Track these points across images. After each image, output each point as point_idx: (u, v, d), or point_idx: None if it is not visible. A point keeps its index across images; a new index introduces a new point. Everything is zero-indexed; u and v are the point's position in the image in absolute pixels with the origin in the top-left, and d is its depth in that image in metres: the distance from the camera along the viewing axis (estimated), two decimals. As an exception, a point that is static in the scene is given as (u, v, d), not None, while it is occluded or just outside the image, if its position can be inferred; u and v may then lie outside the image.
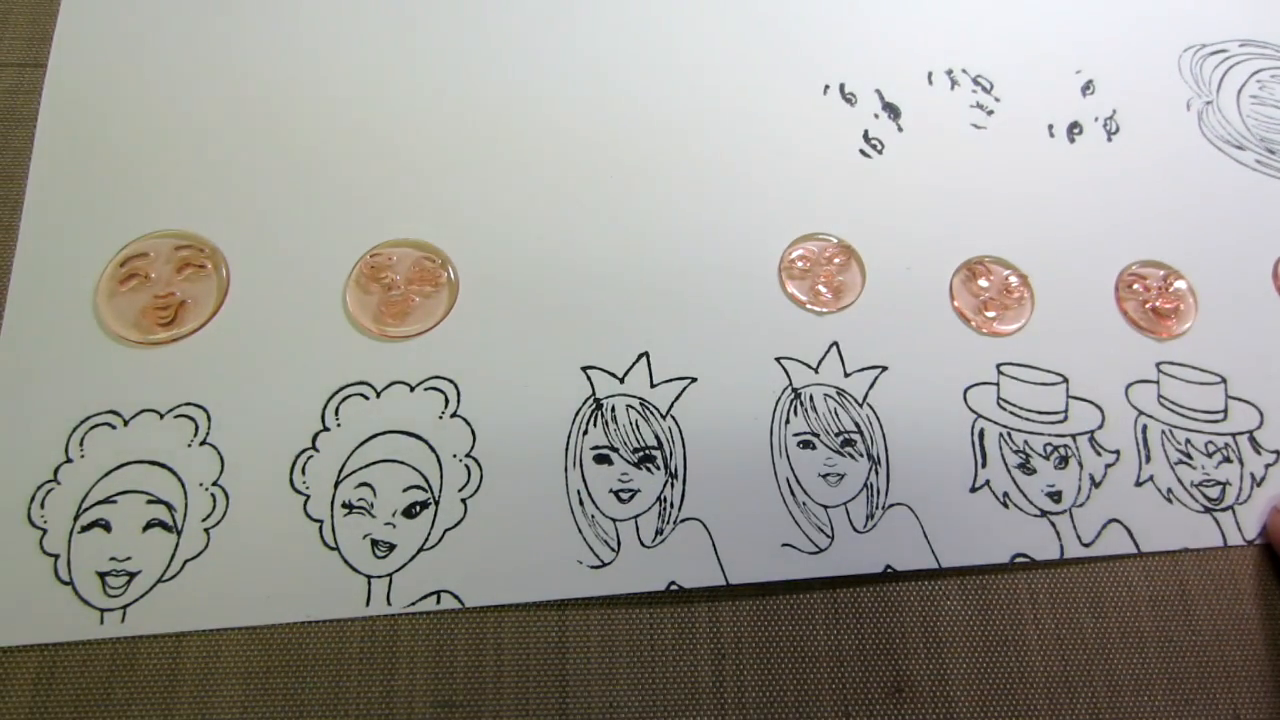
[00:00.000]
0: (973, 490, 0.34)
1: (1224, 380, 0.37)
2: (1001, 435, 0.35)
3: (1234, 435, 0.35)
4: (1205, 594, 0.33)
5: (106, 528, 0.31)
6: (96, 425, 0.32)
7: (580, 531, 0.32)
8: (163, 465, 0.32)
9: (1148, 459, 0.35)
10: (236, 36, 0.38)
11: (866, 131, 0.40)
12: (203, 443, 0.32)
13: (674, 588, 0.32)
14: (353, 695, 0.29)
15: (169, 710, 0.29)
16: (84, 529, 0.31)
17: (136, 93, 0.37)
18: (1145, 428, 0.36)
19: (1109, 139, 0.41)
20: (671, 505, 0.33)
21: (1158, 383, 0.36)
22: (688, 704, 0.30)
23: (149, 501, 0.31)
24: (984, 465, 0.34)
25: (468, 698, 0.29)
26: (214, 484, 0.32)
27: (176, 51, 0.38)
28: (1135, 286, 0.38)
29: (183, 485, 0.32)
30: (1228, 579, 0.33)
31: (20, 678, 0.29)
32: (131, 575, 0.31)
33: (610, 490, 0.33)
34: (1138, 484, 0.35)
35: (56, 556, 0.31)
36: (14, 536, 0.31)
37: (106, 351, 0.33)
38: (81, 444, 0.32)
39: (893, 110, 0.40)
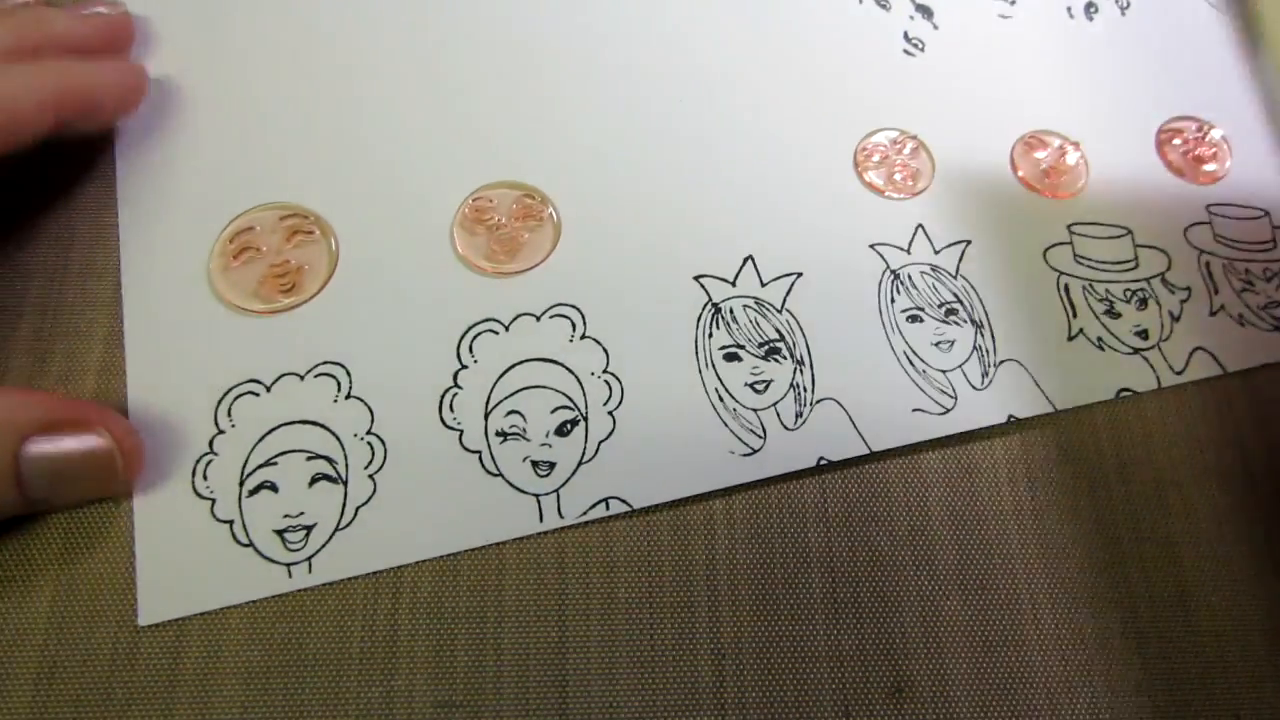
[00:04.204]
0: (1070, 339, 0.36)
1: (1267, 213, 0.40)
2: (1085, 286, 0.37)
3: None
4: (1204, 591, 0.34)
5: (274, 488, 0.32)
6: (240, 395, 0.33)
7: (726, 424, 0.34)
8: (315, 423, 0.33)
9: (1215, 291, 0.38)
10: None
11: (906, 32, 0.42)
12: (348, 396, 0.33)
13: (823, 461, 0.33)
14: (352, 695, 0.30)
15: (169, 710, 0.29)
16: (251, 493, 0.32)
17: (222, 70, 0.38)
18: (1208, 264, 0.38)
19: (1122, 14, 0.44)
20: (805, 389, 0.34)
21: (1210, 223, 0.39)
22: (688, 704, 0.30)
23: (309, 458, 0.32)
24: (1075, 315, 0.37)
25: (468, 698, 0.30)
26: (368, 433, 0.33)
27: (254, 20, 0.39)
28: (1175, 141, 0.41)
29: (338, 438, 0.32)
30: (1226, 576, 0.34)
31: (21, 677, 0.29)
32: (308, 529, 0.31)
33: (745, 384, 0.34)
34: (1211, 314, 0.38)
35: (230, 522, 0.31)
36: (186, 510, 0.31)
37: (234, 325, 0.34)
38: (230, 414, 0.32)
39: (925, 11, 0.42)
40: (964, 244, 0.37)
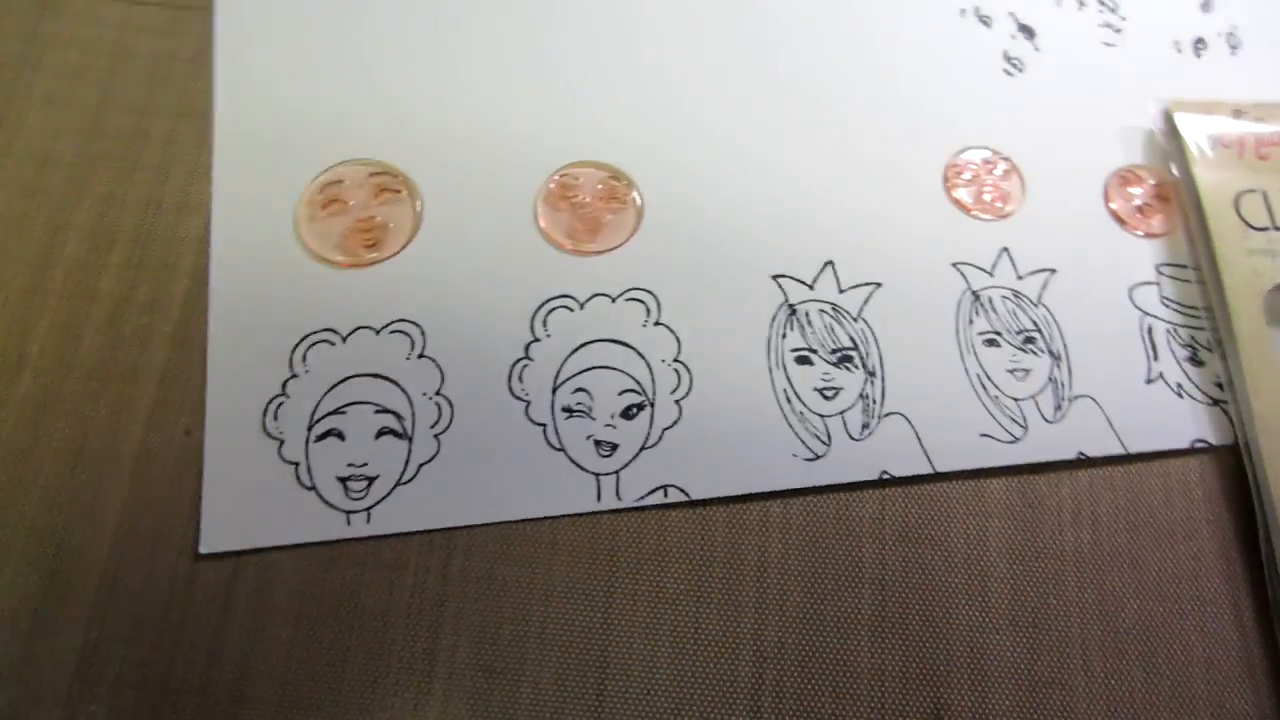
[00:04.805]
0: (1148, 382, 0.36)
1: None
2: (1168, 330, 0.37)
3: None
4: (1271, 666, 0.32)
5: (340, 436, 0.32)
6: (316, 343, 0.33)
7: (791, 427, 0.33)
8: (386, 378, 0.33)
9: (1305, 350, 0.37)
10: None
11: (1006, 52, 0.41)
12: (420, 355, 0.33)
13: (885, 476, 0.33)
14: (396, 649, 0.30)
15: (219, 639, 0.30)
16: (319, 438, 0.32)
17: (327, 22, 0.38)
18: (1298, 320, 0.37)
19: (1232, 53, 0.43)
20: (874, 401, 0.34)
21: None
22: (725, 702, 0.30)
23: (377, 411, 0.32)
24: (1155, 359, 0.36)
25: (508, 666, 0.30)
26: (437, 393, 0.33)
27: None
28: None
29: (407, 395, 0.33)
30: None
31: (83, 589, 0.30)
32: (370, 479, 0.32)
33: (814, 389, 0.34)
34: (1299, 373, 0.36)
35: (296, 464, 0.32)
36: (255, 447, 0.32)
37: (316, 274, 0.34)
38: (305, 359, 0.33)
39: (1027, 31, 0.42)
40: (1048, 272, 0.37)
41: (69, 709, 0.28)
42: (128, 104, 0.37)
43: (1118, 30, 0.42)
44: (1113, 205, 0.38)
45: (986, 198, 0.38)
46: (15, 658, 0.29)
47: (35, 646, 0.29)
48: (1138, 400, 0.35)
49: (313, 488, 0.31)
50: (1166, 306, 0.37)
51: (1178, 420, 0.35)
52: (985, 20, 0.42)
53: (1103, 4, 0.43)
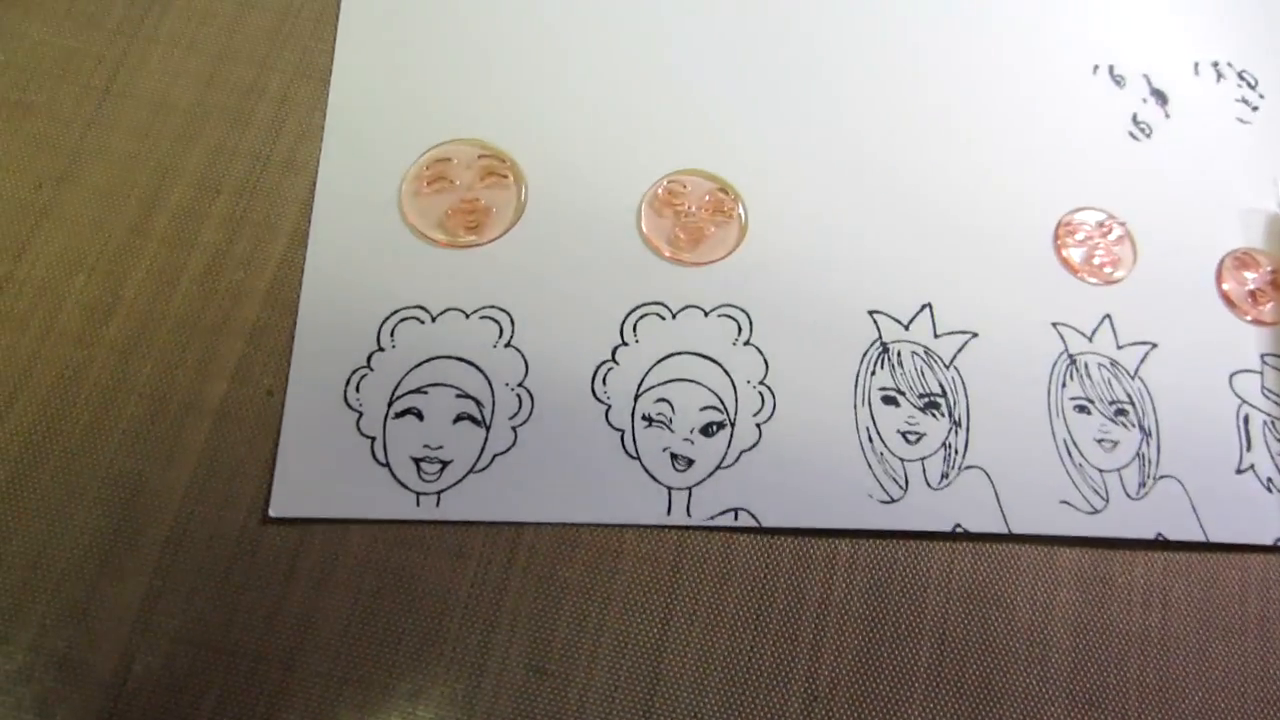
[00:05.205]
0: (1238, 472, 0.35)
1: None
2: (1266, 423, 0.35)
3: None
4: None
5: (419, 416, 0.32)
6: (405, 319, 0.33)
7: (870, 466, 0.33)
8: (470, 363, 0.33)
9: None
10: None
11: (1135, 115, 0.40)
12: (507, 345, 0.33)
13: (959, 529, 0.32)
14: (451, 637, 0.30)
15: (278, 605, 0.30)
16: (398, 415, 0.32)
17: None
18: (1404, 428, 0.36)
19: (1372, 145, 0.41)
20: (956, 451, 0.33)
21: None
22: None
23: (458, 395, 0.32)
24: (1249, 449, 0.35)
25: (560, 669, 0.30)
26: (519, 385, 0.33)
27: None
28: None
29: (489, 383, 0.33)
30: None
31: (151, 537, 0.30)
32: (444, 463, 0.31)
33: (898, 431, 0.33)
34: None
35: (373, 439, 0.31)
36: (334, 417, 0.32)
37: (413, 250, 0.34)
38: (392, 335, 0.33)
39: (1160, 96, 0.41)
40: (1149, 346, 0.36)
41: (125, 657, 0.28)
42: (248, 57, 0.37)
43: (1254, 107, 0.41)
44: (1225, 286, 0.37)
45: (1096, 261, 0.37)
46: (79, 599, 0.29)
47: (100, 589, 0.29)
48: (1225, 489, 0.34)
49: (386, 464, 0.31)
50: (1267, 398, 0.36)
51: (1265, 514, 0.34)
52: (1119, 80, 0.41)
53: (1242, 79, 0.41)
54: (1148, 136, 0.40)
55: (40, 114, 0.35)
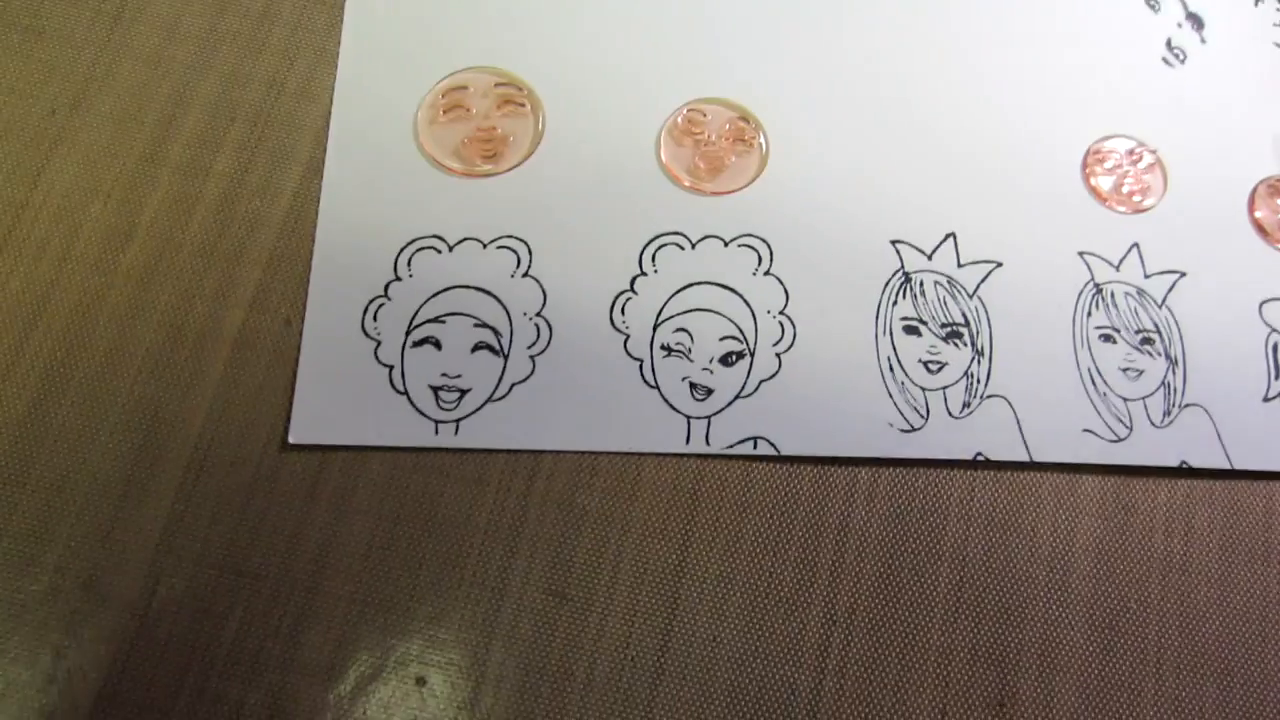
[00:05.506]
0: (1266, 400, 0.34)
1: None
2: (1295, 351, 0.35)
3: None
4: None
5: (437, 345, 0.32)
6: (423, 249, 0.33)
7: (891, 396, 0.32)
8: (488, 292, 0.33)
9: None
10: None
11: (1169, 40, 0.39)
12: (525, 274, 0.33)
13: (980, 458, 0.32)
14: (471, 563, 0.30)
15: (299, 531, 0.30)
16: (416, 344, 0.32)
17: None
18: None
19: None
20: (978, 381, 0.33)
21: None
22: (789, 659, 0.30)
23: (476, 325, 0.32)
24: (1277, 377, 0.34)
25: (579, 594, 0.30)
26: (537, 314, 0.32)
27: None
28: None
29: (507, 313, 0.32)
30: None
31: (172, 464, 0.30)
32: (463, 392, 0.31)
33: (919, 360, 0.33)
34: None
35: (391, 367, 0.31)
36: (352, 345, 0.32)
37: (429, 179, 0.34)
38: (409, 264, 0.33)
39: (1196, 20, 0.39)
40: (1178, 275, 0.35)
41: (150, 580, 0.29)
42: (260, -19, 0.36)
43: (1290, 30, 0.40)
44: (1258, 214, 0.36)
45: (1125, 189, 0.36)
46: (104, 522, 0.29)
47: (124, 513, 0.29)
48: (1252, 417, 0.34)
49: (405, 393, 0.31)
50: (1297, 326, 0.35)
51: (1292, 444, 0.34)
52: (1153, 4, 0.39)
53: None
54: (1182, 62, 0.39)
55: (52, 39, 0.34)
